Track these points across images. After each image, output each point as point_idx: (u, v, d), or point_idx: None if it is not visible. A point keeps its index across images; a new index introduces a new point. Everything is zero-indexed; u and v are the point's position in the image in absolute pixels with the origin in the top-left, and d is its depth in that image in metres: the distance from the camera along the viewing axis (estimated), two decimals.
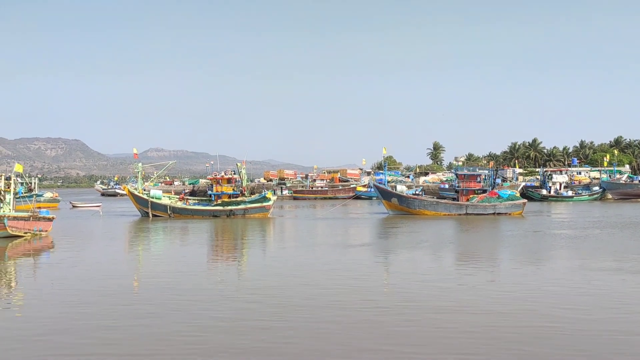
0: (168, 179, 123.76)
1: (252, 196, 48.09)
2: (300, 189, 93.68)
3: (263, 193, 48.17)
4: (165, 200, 45.88)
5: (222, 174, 50.01)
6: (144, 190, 47.78)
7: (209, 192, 49.54)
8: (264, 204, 44.98)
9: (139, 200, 45.21)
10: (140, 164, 49.50)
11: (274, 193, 54.20)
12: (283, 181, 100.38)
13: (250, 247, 26.88)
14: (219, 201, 45.97)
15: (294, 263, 20.56)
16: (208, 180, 77.93)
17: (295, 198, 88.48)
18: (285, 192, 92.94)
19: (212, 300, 13.90)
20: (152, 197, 45.04)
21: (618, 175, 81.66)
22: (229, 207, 44.41)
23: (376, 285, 16.23)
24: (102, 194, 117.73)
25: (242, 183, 47.90)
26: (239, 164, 49.67)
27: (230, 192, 47.01)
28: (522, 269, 18.99)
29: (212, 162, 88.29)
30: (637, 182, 75.14)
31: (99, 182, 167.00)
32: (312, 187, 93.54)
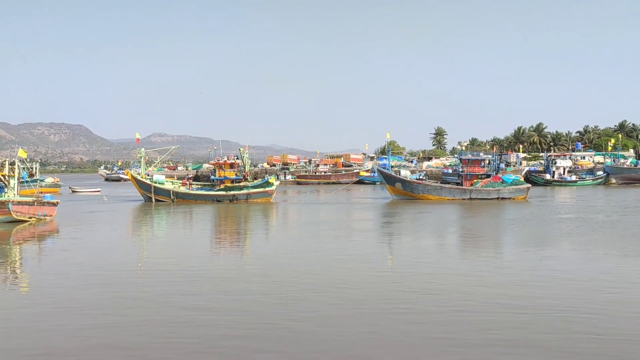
0: (171, 164, 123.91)
1: (255, 181, 48.08)
2: (303, 173, 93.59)
3: (266, 178, 48.12)
4: (168, 185, 45.93)
5: (225, 158, 49.99)
6: (147, 175, 47.86)
7: (212, 177, 49.58)
8: (267, 189, 44.98)
9: (142, 185, 45.28)
10: (143, 149, 49.50)
11: (277, 178, 54.08)
12: (286, 166, 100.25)
13: (253, 232, 26.95)
14: (222, 186, 46.00)
15: (297, 248, 20.61)
16: (211, 165, 78.21)
17: (298, 183, 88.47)
18: (289, 177, 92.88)
19: (215, 285, 13.95)
20: (155, 182, 45.11)
21: (622, 160, 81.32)
22: (232, 192, 44.42)
23: (380, 270, 16.24)
24: (106, 179, 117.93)
25: (245, 168, 47.86)
26: (241, 149, 49.62)
27: (233, 177, 47.00)
28: (526, 254, 18.97)
29: (215, 147, 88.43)
30: None
31: (102, 167, 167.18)
32: (315, 172, 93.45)
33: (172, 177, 62.68)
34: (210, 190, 46.26)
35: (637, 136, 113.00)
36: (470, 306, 11.50)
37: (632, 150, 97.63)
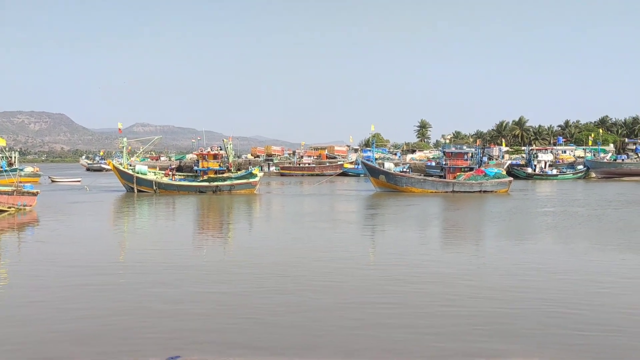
0: (154, 154, 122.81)
1: (239, 172, 47.94)
2: (287, 165, 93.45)
3: (250, 169, 47.97)
4: (150, 176, 45.55)
5: (209, 149, 49.68)
6: (130, 165, 47.43)
7: (195, 167, 49.26)
8: (251, 180, 44.88)
9: (124, 176, 44.88)
10: (125, 139, 48.96)
11: (261, 169, 53.96)
12: (270, 157, 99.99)
13: (236, 224, 26.88)
14: (205, 177, 45.78)
15: (280, 240, 20.60)
16: (194, 156, 77.59)
17: (282, 174, 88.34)
18: (273, 168, 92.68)
19: (197, 277, 13.90)
20: (138, 173, 44.74)
21: (602, 155, 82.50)
22: (215, 183, 44.25)
23: (365, 263, 16.30)
24: (87, 169, 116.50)
25: (228, 159, 47.62)
26: (225, 140, 49.34)
27: (217, 168, 46.74)
28: (510, 247, 19.19)
29: (198, 138, 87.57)
30: (620, 161, 76.02)
31: (84, 157, 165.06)
32: (299, 164, 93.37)
33: (154, 167, 62.11)
34: (193, 181, 46.01)
35: (617, 131, 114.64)
36: (456, 300, 11.54)
37: (612, 145, 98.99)
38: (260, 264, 15.29)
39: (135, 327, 9.85)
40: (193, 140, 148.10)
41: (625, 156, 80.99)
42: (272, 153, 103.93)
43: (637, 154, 79.59)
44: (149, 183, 44.22)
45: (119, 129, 54.74)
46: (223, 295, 11.97)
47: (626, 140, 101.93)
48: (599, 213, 29.11)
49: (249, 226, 25.62)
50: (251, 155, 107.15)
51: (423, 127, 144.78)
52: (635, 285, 12.99)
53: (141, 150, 63.95)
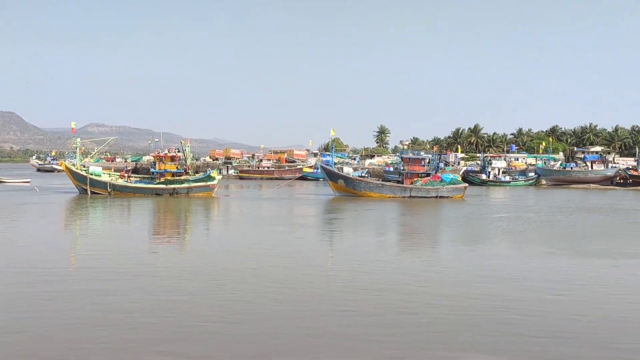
0: (109, 156, 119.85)
1: (197, 175, 47.34)
2: (246, 168, 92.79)
3: (208, 172, 47.41)
4: (105, 177, 44.40)
5: (166, 151, 48.85)
6: (83, 166, 46.18)
7: (152, 169, 48.33)
8: (209, 183, 44.39)
9: (76, 177, 43.63)
10: (79, 139, 47.63)
11: (220, 172, 53.45)
12: (229, 160, 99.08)
13: (193, 227, 26.52)
14: (162, 179, 45.00)
15: (237, 244, 20.44)
16: (151, 158, 76.08)
17: (241, 178, 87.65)
18: (231, 171, 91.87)
19: (148, 283, 13.64)
20: (91, 174, 43.58)
21: (552, 163, 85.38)
22: (172, 186, 43.57)
23: (321, 269, 16.36)
24: (38, 170, 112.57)
25: (186, 161, 46.94)
26: (183, 142, 48.61)
27: (174, 170, 45.99)
28: (466, 253, 19.63)
29: (156, 140, 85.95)
30: (569, 169, 78.88)
31: (34, 157, 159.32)
32: (258, 167, 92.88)
33: (109, 169, 60.57)
34: (149, 183, 45.14)
35: (566, 140, 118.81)
36: (413, 307, 11.65)
37: (561, 154, 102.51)
38: (216, 270, 15.10)
39: (82, 337, 9.51)
40: (150, 142, 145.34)
41: (574, 164, 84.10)
42: (231, 156, 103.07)
43: (585, 163, 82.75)
44: (103, 185, 43.13)
45: (72, 129, 53.04)
46: (176, 303, 11.73)
47: (575, 149, 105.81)
48: (550, 219, 30.12)
49: (206, 230, 25.32)
50: (210, 158, 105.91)
51: (382, 133, 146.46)
52: (585, 292, 13.47)
53: (95, 151, 62.23)
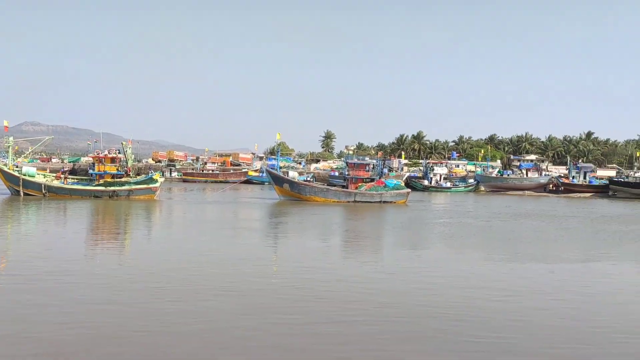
0: (45, 156, 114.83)
1: (138, 177, 46.09)
2: (190, 171, 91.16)
3: (150, 174, 46.26)
4: (39, 178, 42.53)
5: (106, 152, 47.29)
6: (16, 166, 44.06)
7: (91, 171, 46.69)
8: (151, 185, 43.34)
9: (8, 177, 41.57)
10: (11, 138, 45.35)
11: (162, 174, 52.27)
12: (172, 163, 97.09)
13: (132, 231, 25.77)
14: (102, 181, 43.53)
15: (177, 249, 20.01)
16: (90, 159, 73.37)
17: (184, 180, 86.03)
18: (175, 174, 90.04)
19: (86, 285, 13.15)
20: (25, 175, 41.64)
21: (490, 170, 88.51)
22: (112, 188, 42.23)
23: (264, 275, 16.27)
24: None
25: (127, 163, 45.62)
26: (124, 143, 47.24)
27: (114, 172, 44.60)
28: (407, 255, 20.01)
29: (95, 140, 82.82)
30: (506, 176, 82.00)
31: None
32: (202, 170, 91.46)
33: (44, 169, 58.04)
34: (87, 185, 43.56)
35: (504, 148, 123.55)
36: (359, 309, 11.72)
37: (499, 161, 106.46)
38: (156, 276, 14.69)
39: (11, 352, 9.09)
40: (89, 142, 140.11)
41: (510, 172, 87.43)
42: (175, 158, 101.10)
43: (520, 170, 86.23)
44: (37, 186, 41.28)
45: (5, 127, 50.55)
46: (114, 308, 11.38)
47: (511, 157, 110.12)
48: (489, 225, 31.19)
49: (148, 233, 24.66)
50: (152, 159, 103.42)
51: (328, 138, 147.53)
52: (521, 294, 14.00)
53: (30, 150, 59.47)
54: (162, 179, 46.36)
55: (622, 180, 73.13)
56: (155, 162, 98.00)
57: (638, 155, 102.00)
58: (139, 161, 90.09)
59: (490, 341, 10.07)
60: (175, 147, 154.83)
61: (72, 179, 46.46)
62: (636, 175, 75.38)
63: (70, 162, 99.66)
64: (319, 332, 10.24)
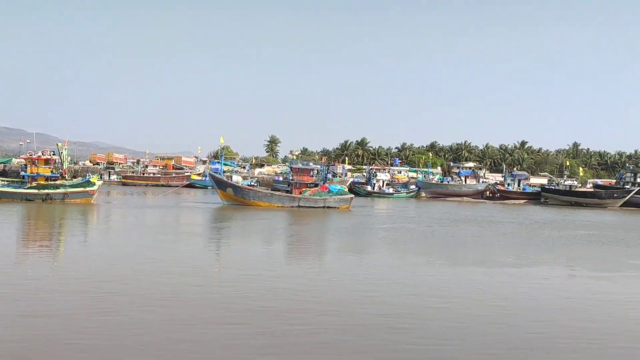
0: None
1: (74, 180, 44.33)
2: (130, 174, 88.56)
3: (87, 177, 44.59)
4: None
5: (40, 153, 45.21)
6: None
7: (23, 173, 44.51)
8: (88, 188, 41.72)
9: None
10: None
11: (101, 177, 50.51)
12: (112, 165, 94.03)
13: (68, 236, 24.70)
14: (34, 184, 41.55)
15: (117, 253, 19.34)
16: (22, 160, 69.93)
17: (124, 184, 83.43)
18: (114, 177, 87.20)
19: (14, 297, 12.47)
20: None
21: (431, 176, 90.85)
22: (46, 191, 40.36)
23: (205, 278, 15.97)
24: None
25: (62, 165, 43.79)
26: (60, 144, 45.31)
27: (49, 174, 42.69)
28: (351, 260, 20.15)
29: (27, 141, 79.01)
30: (446, 183, 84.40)
31: None
32: (143, 173, 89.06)
33: None
34: (19, 187, 41.45)
35: (444, 155, 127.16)
36: (298, 318, 11.66)
37: (439, 168, 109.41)
38: (93, 283, 14.13)
39: None
40: (21, 143, 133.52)
41: (450, 179, 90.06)
42: (114, 161, 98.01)
43: (459, 177, 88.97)
44: None
45: None
46: (42, 319, 10.82)
47: (451, 164, 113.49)
48: (430, 230, 31.93)
49: (83, 239, 23.68)
50: (90, 162, 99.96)
51: (273, 143, 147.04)
52: (460, 299, 14.35)
53: None
54: (100, 182, 44.81)
55: (553, 187, 76.81)
56: (93, 165, 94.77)
57: (568, 164, 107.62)
58: (75, 163, 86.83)
59: (428, 348, 10.28)
60: (114, 150, 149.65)
61: (2, 181, 44.15)
62: (566, 183, 79.38)
63: (0, 163, 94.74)
64: (256, 344, 10.13)
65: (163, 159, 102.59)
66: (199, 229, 29.05)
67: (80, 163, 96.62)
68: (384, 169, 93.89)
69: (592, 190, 76.62)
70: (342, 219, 37.49)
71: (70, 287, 13.51)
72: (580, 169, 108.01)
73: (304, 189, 47.51)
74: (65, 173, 43.64)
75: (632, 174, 75.10)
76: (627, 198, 68.64)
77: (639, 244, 28.36)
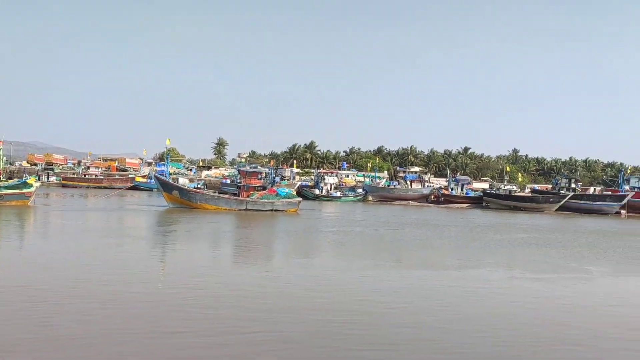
0: None
1: (10, 181, 42.34)
2: (71, 175, 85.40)
3: (24, 178, 42.65)
4: None
5: None
6: None
7: None
8: (24, 190, 39.90)
9: None
10: None
11: (39, 179, 48.35)
12: (51, 166, 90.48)
13: (1, 240, 23.50)
14: None
15: (55, 259, 18.53)
16: None
17: (64, 186, 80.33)
18: (53, 178, 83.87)
19: None
20: None
21: (378, 180, 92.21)
22: None
23: (149, 284, 15.53)
24: None
25: None
26: None
27: None
28: (299, 265, 20.12)
29: None
30: (392, 187, 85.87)
31: None
32: (85, 175, 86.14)
33: None
34: None
35: (391, 160, 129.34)
36: (243, 324, 11.47)
37: (386, 172, 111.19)
38: (29, 290, 13.45)
39: None
40: None
41: (397, 183, 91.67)
42: (53, 161, 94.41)
43: (405, 181, 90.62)
44: None
45: None
46: None
47: (397, 168, 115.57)
48: (378, 233, 32.33)
49: (19, 244, 22.57)
50: (27, 162, 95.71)
51: (220, 145, 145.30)
52: (407, 301, 14.59)
53: None
54: (38, 184, 42.98)
55: (494, 192, 79.55)
56: (31, 165, 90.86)
57: (508, 169, 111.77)
58: (11, 164, 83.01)
59: (378, 348, 10.37)
60: (54, 150, 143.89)
61: None
62: (506, 188, 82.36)
63: None
64: (199, 354, 9.93)
65: (106, 160, 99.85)
66: (143, 233, 28.28)
67: (16, 164, 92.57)
68: (332, 173, 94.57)
69: (530, 195, 79.80)
70: (290, 222, 37.42)
71: (0, 296, 12.81)
72: (519, 174, 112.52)
73: (251, 192, 47.16)
74: (0, 174, 41.60)
75: (567, 180, 78.93)
76: (562, 202, 71.97)
77: (575, 246, 29.71)
